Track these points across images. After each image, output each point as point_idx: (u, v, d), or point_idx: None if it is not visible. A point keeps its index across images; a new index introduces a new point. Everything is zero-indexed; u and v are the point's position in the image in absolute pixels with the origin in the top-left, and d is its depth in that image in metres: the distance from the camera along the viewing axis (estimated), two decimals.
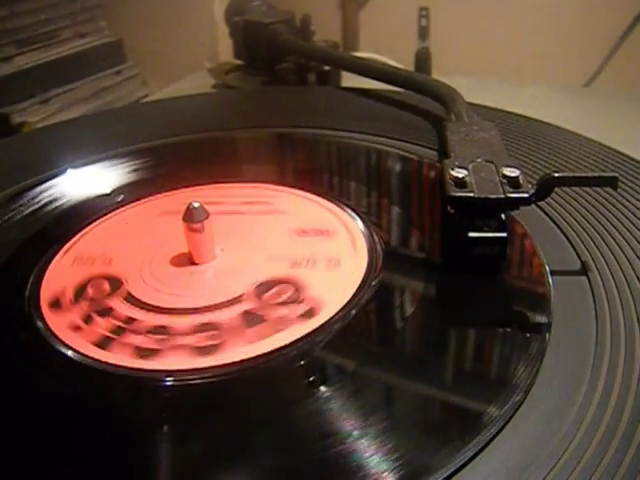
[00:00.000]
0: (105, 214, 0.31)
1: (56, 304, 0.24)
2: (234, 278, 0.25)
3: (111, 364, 0.21)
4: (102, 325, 0.23)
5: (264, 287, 0.24)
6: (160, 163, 0.36)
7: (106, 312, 0.24)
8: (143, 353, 0.21)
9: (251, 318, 0.23)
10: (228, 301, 0.24)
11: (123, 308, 0.24)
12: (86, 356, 0.22)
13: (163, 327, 0.23)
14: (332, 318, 0.23)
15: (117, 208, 0.31)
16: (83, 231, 0.29)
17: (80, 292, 0.25)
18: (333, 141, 0.39)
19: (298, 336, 0.22)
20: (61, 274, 0.26)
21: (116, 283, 0.25)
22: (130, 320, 0.23)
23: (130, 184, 0.34)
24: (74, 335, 0.23)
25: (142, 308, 0.24)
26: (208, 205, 0.26)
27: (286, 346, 0.21)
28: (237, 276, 0.25)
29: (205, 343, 0.22)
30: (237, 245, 0.27)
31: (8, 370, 0.22)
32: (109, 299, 0.24)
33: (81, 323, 0.23)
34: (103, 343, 0.22)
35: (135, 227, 0.30)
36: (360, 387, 0.20)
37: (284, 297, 0.24)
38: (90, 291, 0.25)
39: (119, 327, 0.23)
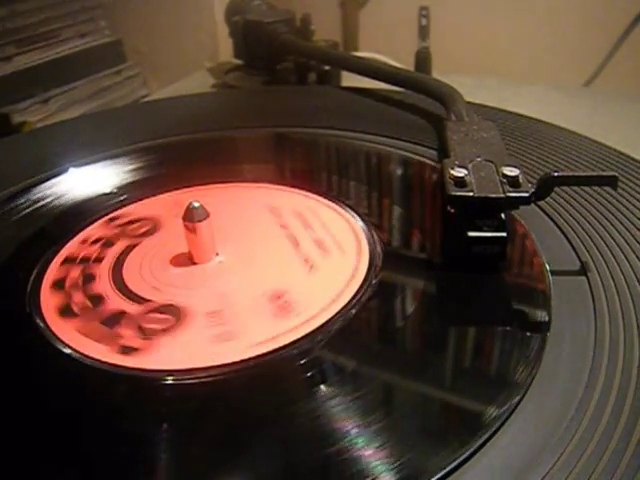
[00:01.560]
0: (103, 215, 0.31)
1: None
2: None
3: (106, 362, 0.21)
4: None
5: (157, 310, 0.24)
6: (160, 163, 0.36)
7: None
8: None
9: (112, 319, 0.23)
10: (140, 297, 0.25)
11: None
12: (88, 357, 0.22)
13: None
14: (332, 317, 0.23)
15: (117, 208, 0.31)
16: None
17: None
18: (333, 141, 0.39)
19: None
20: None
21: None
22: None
23: (130, 184, 0.34)
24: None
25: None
26: (208, 205, 0.26)
27: (286, 345, 0.21)
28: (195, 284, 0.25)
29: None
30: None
31: (8, 370, 0.22)
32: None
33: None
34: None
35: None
36: (360, 387, 0.20)
37: (161, 326, 0.23)
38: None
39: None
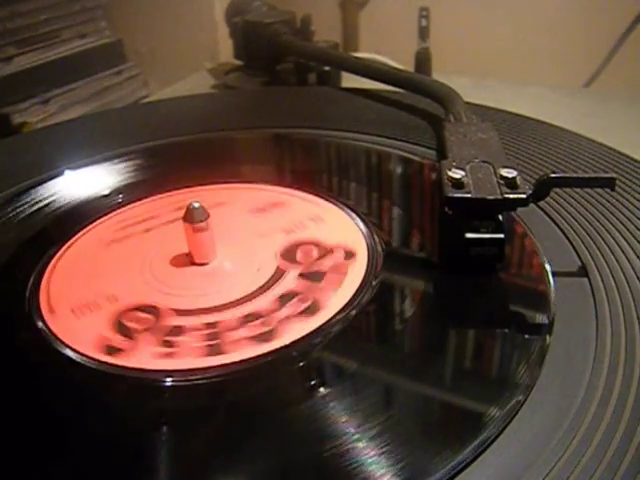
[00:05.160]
0: (102, 215, 0.31)
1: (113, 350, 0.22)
2: (249, 268, 0.26)
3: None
4: (190, 340, 0.22)
5: (289, 253, 0.26)
6: (160, 163, 0.36)
7: (178, 331, 0.22)
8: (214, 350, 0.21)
9: (309, 276, 0.24)
10: (268, 282, 0.25)
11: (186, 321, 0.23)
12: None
13: (213, 324, 0.23)
14: (332, 318, 0.23)
15: (115, 209, 0.31)
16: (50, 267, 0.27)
17: (124, 331, 0.23)
18: (333, 141, 0.39)
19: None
20: (76, 330, 0.23)
21: (153, 310, 0.24)
22: (213, 325, 0.23)
23: (130, 185, 0.34)
24: (167, 360, 0.21)
25: (191, 315, 0.23)
26: (207, 205, 0.26)
27: (284, 347, 0.21)
28: (250, 265, 0.26)
29: (259, 331, 0.22)
30: (237, 243, 0.27)
31: (7, 373, 0.22)
32: (160, 321, 0.23)
33: (167, 350, 0.22)
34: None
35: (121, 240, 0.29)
36: (361, 388, 0.20)
37: (315, 253, 0.25)
38: (131, 325, 0.23)
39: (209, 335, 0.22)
